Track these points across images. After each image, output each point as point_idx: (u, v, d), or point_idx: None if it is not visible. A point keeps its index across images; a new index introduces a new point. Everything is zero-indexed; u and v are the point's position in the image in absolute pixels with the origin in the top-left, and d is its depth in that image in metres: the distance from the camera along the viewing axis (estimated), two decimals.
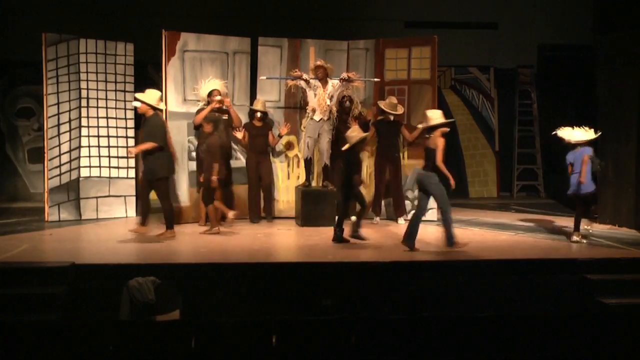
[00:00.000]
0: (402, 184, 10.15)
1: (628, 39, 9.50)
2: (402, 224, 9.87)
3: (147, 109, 8.45)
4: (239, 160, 10.25)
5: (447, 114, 13.24)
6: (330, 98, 9.69)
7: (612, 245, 8.29)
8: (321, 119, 9.69)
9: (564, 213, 11.00)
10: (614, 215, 9.69)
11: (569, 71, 13.31)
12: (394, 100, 9.97)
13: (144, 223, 8.47)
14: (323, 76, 9.66)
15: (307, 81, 9.69)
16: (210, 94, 9.67)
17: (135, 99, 8.54)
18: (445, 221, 7.88)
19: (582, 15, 12.41)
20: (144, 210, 8.53)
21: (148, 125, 8.43)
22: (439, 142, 7.81)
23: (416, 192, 10.10)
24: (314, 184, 10.18)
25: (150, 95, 8.48)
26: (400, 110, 9.93)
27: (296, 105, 10.45)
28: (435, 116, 8.01)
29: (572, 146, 8.39)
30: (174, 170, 8.99)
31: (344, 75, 9.69)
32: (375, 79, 10.27)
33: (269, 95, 10.38)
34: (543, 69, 13.74)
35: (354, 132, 8.40)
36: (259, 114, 9.95)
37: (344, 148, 8.44)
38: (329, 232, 9.15)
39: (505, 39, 13.29)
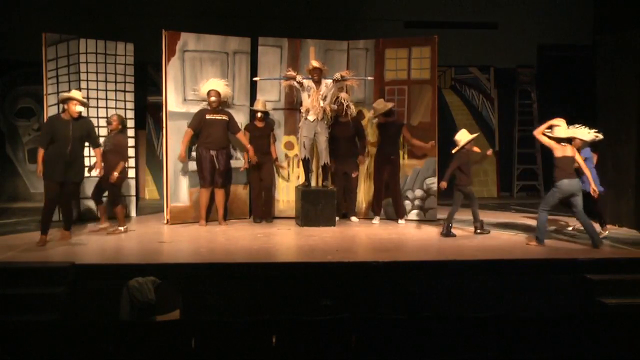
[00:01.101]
0: (402, 184, 10.14)
1: (628, 39, 9.50)
2: (402, 224, 9.87)
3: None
4: (239, 160, 10.25)
5: (447, 114, 13.42)
6: (324, 98, 9.69)
7: (612, 245, 8.30)
8: (315, 119, 9.69)
9: (564, 213, 10.99)
10: (614, 215, 9.69)
11: (569, 71, 13.32)
12: (381, 101, 9.99)
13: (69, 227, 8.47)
14: (319, 78, 9.66)
15: (300, 83, 9.68)
16: (209, 93, 9.72)
17: (83, 104, 8.38)
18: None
19: (582, 15, 12.42)
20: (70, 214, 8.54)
21: (87, 128, 8.38)
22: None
23: (416, 192, 10.18)
24: (313, 183, 10.18)
25: (81, 96, 8.52)
26: (388, 105, 9.91)
27: (295, 105, 10.45)
28: (562, 131, 8.13)
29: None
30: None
31: (337, 75, 9.68)
32: (369, 78, 10.27)
33: (269, 95, 10.38)
34: (543, 69, 13.75)
35: (462, 135, 8.77)
36: (259, 114, 9.95)
37: (454, 150, 8.74)
38: (329, 232, 9.16)
39: (505, 39, 13.30)
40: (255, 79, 10.26)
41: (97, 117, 10.26)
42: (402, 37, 10.84)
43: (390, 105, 9.90)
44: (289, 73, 9.81)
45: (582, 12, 12.39)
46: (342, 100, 9.89)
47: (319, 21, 12.38)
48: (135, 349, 5.33)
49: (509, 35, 13.24)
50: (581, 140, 8.39)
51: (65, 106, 8.25)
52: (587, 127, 8.42)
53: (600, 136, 8.47)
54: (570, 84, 13.26)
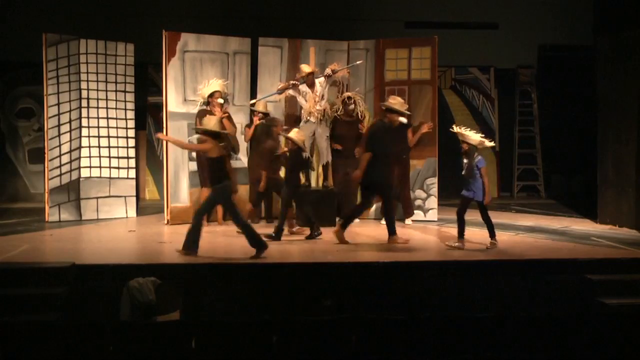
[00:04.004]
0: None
1: (628, 38, 9.50)
2: (409, 224, 9.84)
3: None
4: (239, 160, 10.24)
5: (447, 114, 13.40)
6: (322, 97, 9.71)
7: (612, 245, 8.29)
8: (316, 121, 9.71)
9: (564, 213, 11.02)
10: (614, 215, 9.69)
11: (569, 71, 13.32)
12: (399, 98, 9.88)
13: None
14: (312, 81, 9.70)
15: (297, 89, 9.69)
16: (212, 95, 9.69)
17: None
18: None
19: (582, 15, 12.41)
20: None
21: None
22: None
23: (416, 192, 10.16)
24: (313, 183, 10.17)
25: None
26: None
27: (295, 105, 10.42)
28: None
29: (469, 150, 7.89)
30: None
31: (327, 71, 9.69)
32: (358, 62, 10.10)
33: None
34: (543, 69, 13.74)
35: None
36: (260, 115, 9.95)
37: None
38: (329, 232, 9.15)
39: (505, 39, 13.28)
40: (251, 101, 10.13)
41: (97, 118, 10.28)
42: (402, 37, 10.85)
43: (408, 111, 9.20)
44: (280, 86, 9.85)
45: (582, 12, 12.37)
46: (357, 100, 9.89)
47: (319, 21, 12.38)
48: (135, 349, 5.33)
49: (509, 35, 13.23)
50: (468, 144, 7.85)
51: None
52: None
53: (491, 144, 8.06)
54: (570, 84, 13.26)
